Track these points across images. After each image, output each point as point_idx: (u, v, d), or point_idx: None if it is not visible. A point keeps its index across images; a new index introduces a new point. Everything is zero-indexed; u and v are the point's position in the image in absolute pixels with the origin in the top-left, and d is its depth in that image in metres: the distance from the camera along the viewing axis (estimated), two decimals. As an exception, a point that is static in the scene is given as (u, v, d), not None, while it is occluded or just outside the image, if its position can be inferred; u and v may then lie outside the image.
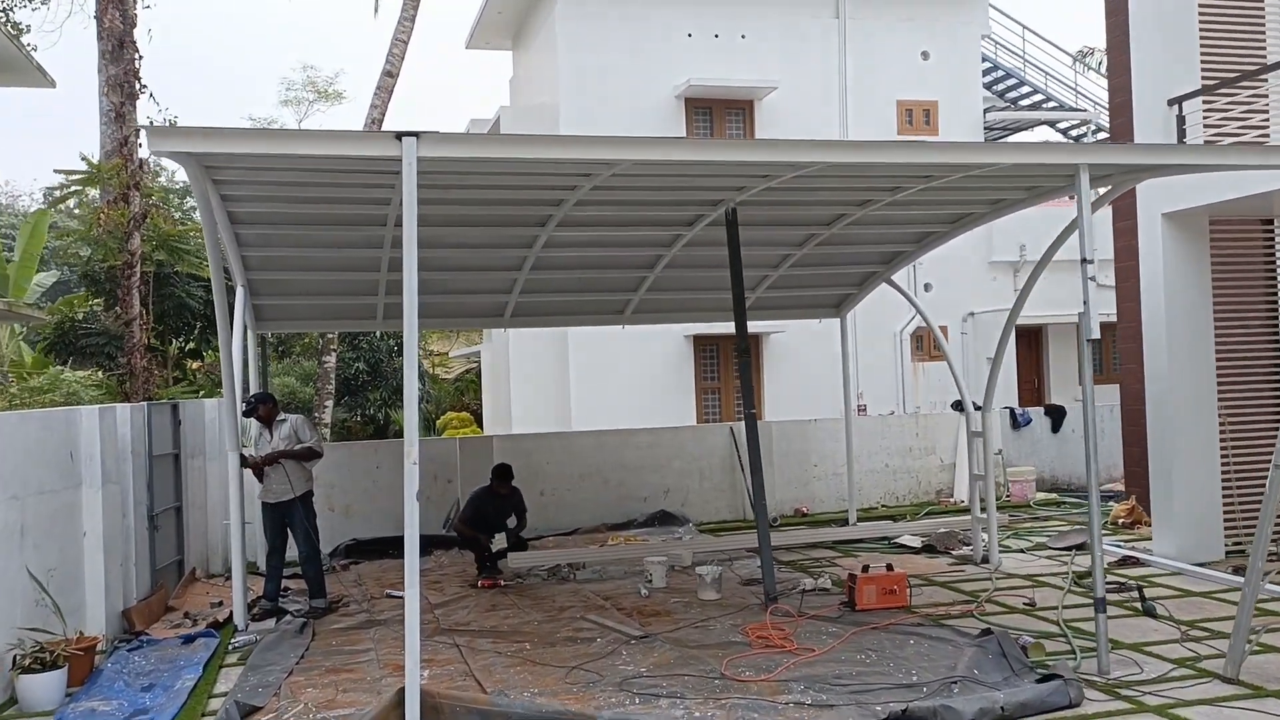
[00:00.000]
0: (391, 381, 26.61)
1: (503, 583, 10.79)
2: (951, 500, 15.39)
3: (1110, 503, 14.89)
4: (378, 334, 25.85)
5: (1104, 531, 12.40)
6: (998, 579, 10.22)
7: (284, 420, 9.78)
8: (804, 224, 11.25)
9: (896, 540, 12.35)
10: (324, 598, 9.82)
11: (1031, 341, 20.67)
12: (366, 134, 6.32)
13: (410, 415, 6.15)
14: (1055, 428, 16.39)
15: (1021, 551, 11.73)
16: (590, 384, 18.31)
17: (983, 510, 11.27)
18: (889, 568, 9.30)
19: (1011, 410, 16.26)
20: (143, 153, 14.45)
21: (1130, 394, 13.46)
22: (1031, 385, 20.44)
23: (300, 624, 9.15)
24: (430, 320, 13.41)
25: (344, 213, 9.57)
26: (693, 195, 9.80)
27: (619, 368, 18.40)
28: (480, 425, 27.49)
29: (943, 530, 12.23)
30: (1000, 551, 11.31)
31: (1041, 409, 16.53)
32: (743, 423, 14.89)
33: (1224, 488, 10.81)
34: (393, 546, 12.89)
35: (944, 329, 20.15)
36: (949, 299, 19.98)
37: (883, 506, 15.31)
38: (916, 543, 12.07)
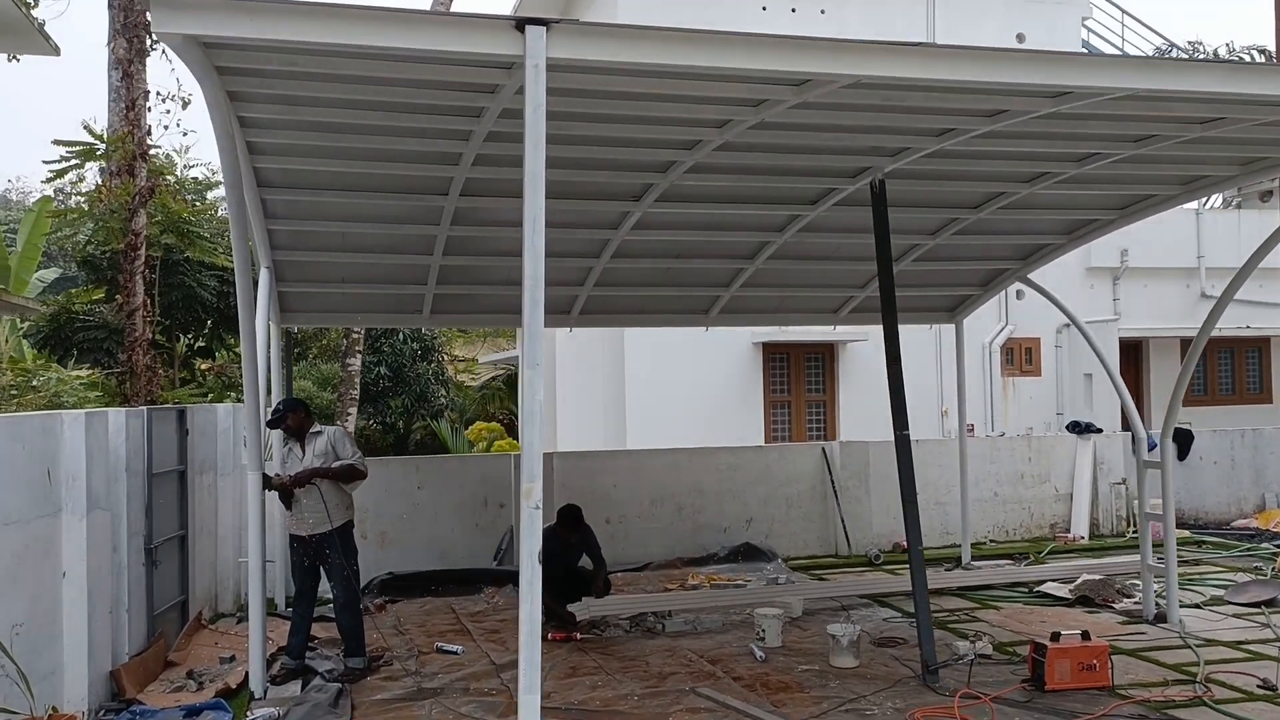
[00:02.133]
0: (414, 388, 24.71)
1: (577, 635, 8.82)
2: (1068, 536, 13.38)
3: (1266, 544, 12.90)
4: (400, 336, 24.03)
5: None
6: (1197, 646, 8.22)
7: (319, 433, 7.84)
8: (947, 205, 9.30)
9: (1040, 589, 10.34)
10: (363, 656, 7.87)
11: (1131, 357, 18.67)
12: (473, 19, 4.38)
13: (531, 437, 4.20)
14: (1182, 454, 14.37)
15: (1197, 606, 9.71)
16: (648, 395, 16.34)
17: (1158, 557, 9.30)
18: (1085, 635, 7.30)
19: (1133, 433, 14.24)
20: (151, 118, 12.55)
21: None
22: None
23: (335, 691, 7.20)
24: (484, 317, 11.47)
25: (399, 175, 7.64)
26: (833, 162, 7.87)
27: (680, 378, 16.43)
28: (514, 436, 25.57)
29: (1097, 578, 10.22)
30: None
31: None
32: (835, 442, 13.01)
33: None
34: (435, 582, 10.96)
35: (1036, 341, 18.17)
36: (1042, 308, 17.91)
37: (991, 542, 13.32)
38: (1064, 592, 10.06)
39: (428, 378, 25.55)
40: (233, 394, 16.96)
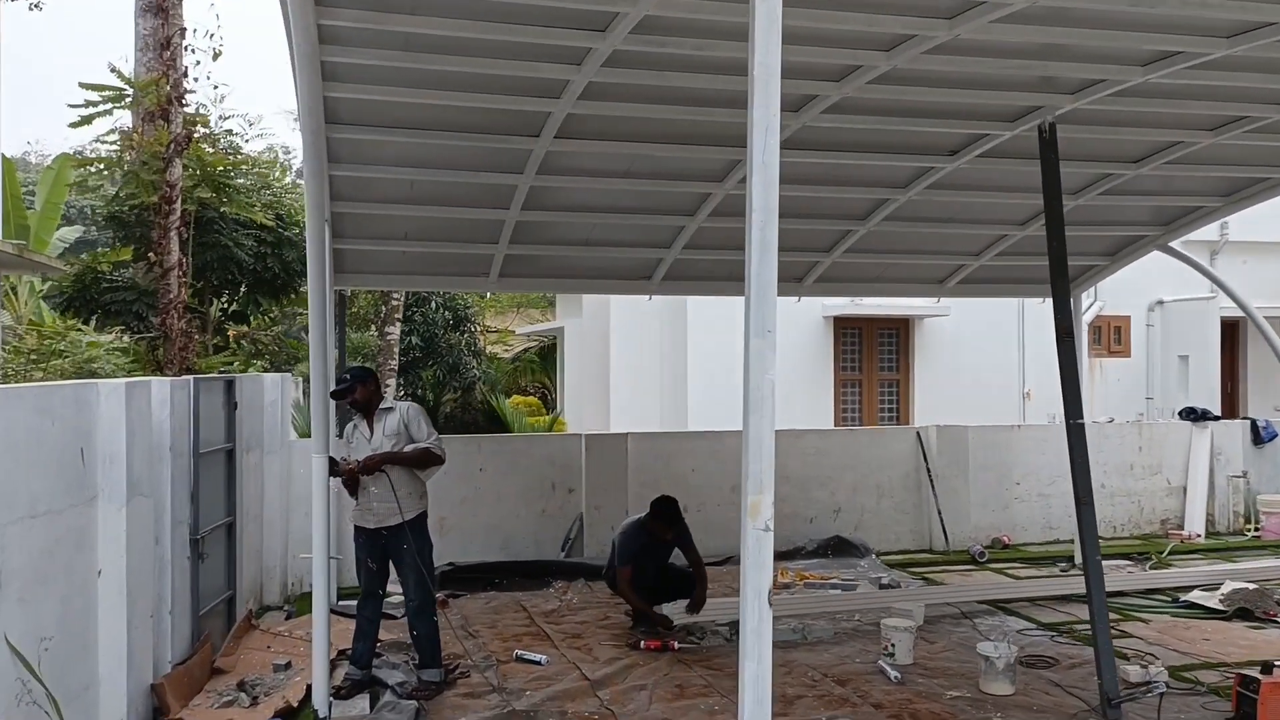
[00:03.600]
0: (447, 359, 23.69)
1: (674, 644, 7.74)
2: (1183, 534, 12.22)
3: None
4: (433, 304, 22.99)
5: None
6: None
7: (390, 409, 6.75)
8: (1103, 159, 8.11)
9: (1185, 597, 9.19)
10: (439, 668, 6.80)
11: (1226, 339, 17.40)
12: None
13: (760, 430, 3.09)
14: (1296, 445, 13.18)
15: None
16: (711, 371, 15.21)
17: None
18: (1295, 667, 6.17)
19: (1253, 422, 13.05)
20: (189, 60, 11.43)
21: None
22: (1225, 390, 17.19)
23: (411, 712, 6.16)
24: (556, 281, 10.36)
25: (490, 109, 6.50)
26: (993, 100, 6.68)
27: (741, 351, 15.28)
28: (549, 409, 24.50)
29: (1249, 587, 9.08)
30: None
31: (1283, 419, 13.32)
32: (931, 427, 11.86)
33: None
34: (499, 575, 9.91)
35: (1126, 319, 16.93)
36: (1131, 284, 16.65)
37: (1099, 539, 12.12)
38: (1214, 602, 8.93)
39: (460, 348, 24.57)
40: (258, 363, 15.93)
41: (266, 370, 15.17)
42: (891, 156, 7.75)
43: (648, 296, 10.77)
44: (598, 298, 17.57)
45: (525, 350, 30.23)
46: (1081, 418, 6.73)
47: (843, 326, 15.95)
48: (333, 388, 6.70)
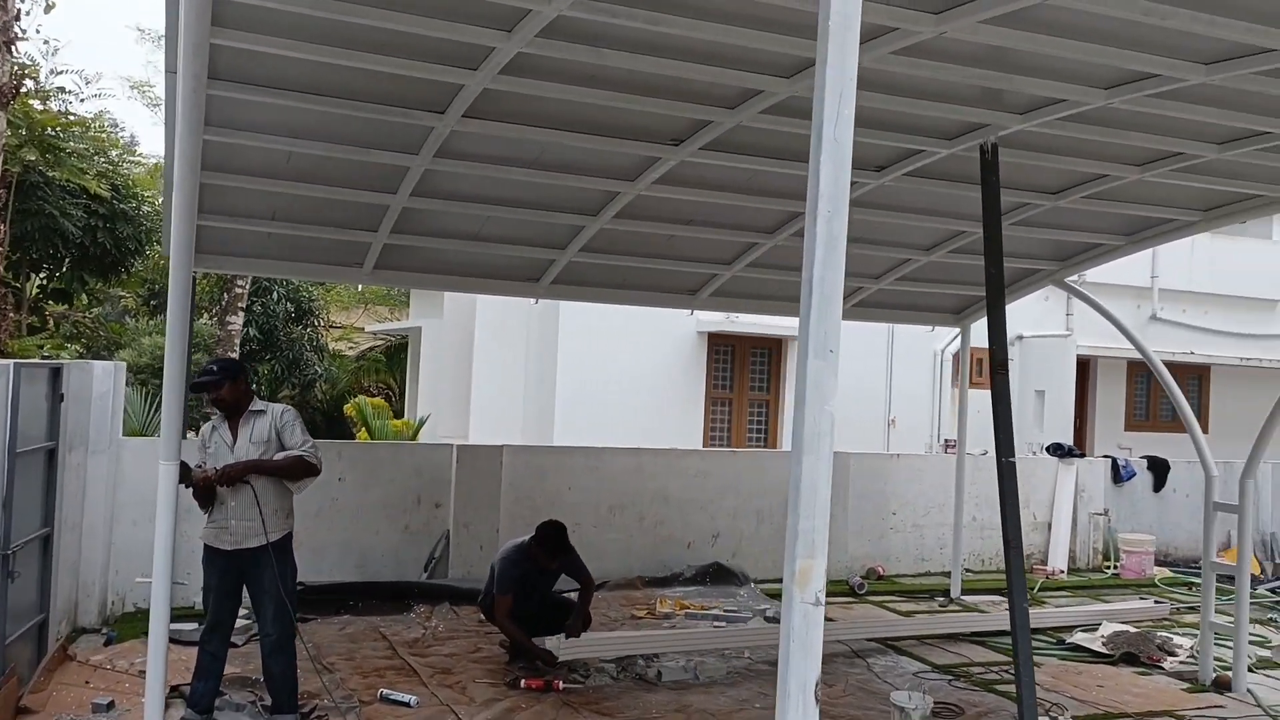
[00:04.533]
0: (286, 354, 22.27)
1: (559, 684, 7.03)
2: (1046, 569, 12.29)
3: (1259, 588, 12.06)
4: (274, 295, 21.56)
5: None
6: (1290, 725, 7.06)
7: (260, 413, 5.83)
8: (1021, 187, 7.85)
9: (1070, 640, 9.07)
10: (295, 712, 5.90)
11: (1079, 376, 17.89)
12: None
13: (815, 475, 2.46)
14: (1158, 485, 13.51)
15: (1251, 670, 8.55)
16: (580, 383, 14.56)
17: (1225, 613, 8.16)
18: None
19: (1114, 461, 13.30)
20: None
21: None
22: (1076, 426, 17.66)
23: (263, 767, 5.25)
24: (439, 278, 9.45)
25: (395, 75, 5.66)
26: (939, 113, 6.26)
27: (615, 364, 14.72)
28: (398, 414, 23.26)
29: (1131, 631, 9.05)
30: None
31: (1144, 461, 13.63)
32: (815, 452, 11.52)
33: None
34: (355, 597, 8.97)
35: (988, 353, 17.15)
36: (994, 318, 16.99)
37: (967, 571, 12.08)
38: (1099, 645, 8.82)
39: (302, 343, 23.18)
40: (72, 347, 14.36)
41: (82, 355, 13.67)
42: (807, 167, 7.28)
43: (534, 300, 10.05)
44: (462, 297, 16.67)
45: (371, 349, 28.81)
46: (1014, 455, 6.43)
47: (717, 343, 15.58)
48: (194, 380, 5.74)
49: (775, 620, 9.12)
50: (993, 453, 14.29)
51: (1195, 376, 18.59)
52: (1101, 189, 7.65)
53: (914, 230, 8.76)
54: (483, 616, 8.08)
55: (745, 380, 15.84)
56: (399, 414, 22.97)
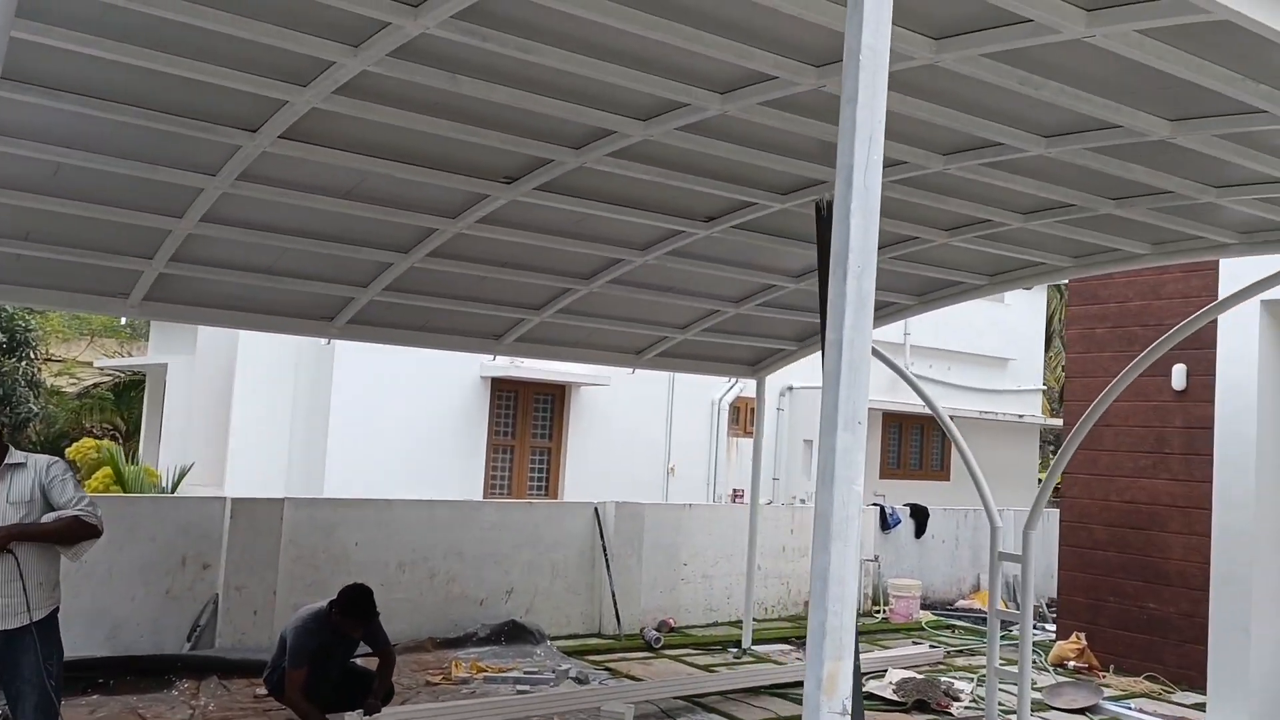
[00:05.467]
0: (-5, 387, 19.98)
1: (362, 772, 6.36)
2: (826, 615, 12.57)
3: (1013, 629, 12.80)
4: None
5: (1060, 676, 10.09)
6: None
7: (20, 466, 4.91)
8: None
9: (865, 689, 9.21)
10: (57, 826, 4.95)
11: (840, 426, 18.68)
12: None
13: (843, 559, 2.16)
14: (919, 532, 14.21)
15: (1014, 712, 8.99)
16: (356, 433, 13.69)
17: (1007, 662, 8.52)
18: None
19: (881, 508, 13.86)
20: None
21: (1075, 510, 11.42)
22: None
23: None
24: (216, 313, 8.50)
25: (201, 87, 4.98)
26: (781, 166, 6.23)
27: (394, 408, 13.96)
28: (129, 459, 21.11)
29: (918, 678, 9.31)
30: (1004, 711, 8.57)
31: (907, 508, 14.29)
32: (610, 502, 11.30)
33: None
34: (108, 673, 7.87)
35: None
36: (766, 369, 17.50)
37: (755, 620, 12.17)
38: (890, 693, 9.02)
39: (14, 378, 20.85)
40: None
41: None
42: (645, 214, 7.10)
43: (325, 340, 9.30)
44: (219, 332, 15.36)
45: (96, 385, 26.19)
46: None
47: (500, 388, 15.12)
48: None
49: (581, 681, 8.76)
50: (708, 494, 14.65)
51: (940, 428, 19.85)
52: (909, 250, 7.90)
53: (728, 282, 8.75)
54: (265, 691, 7.24)
55: (528, 427, 15.45)
56: (130, 457, 20.88)
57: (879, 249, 7.33)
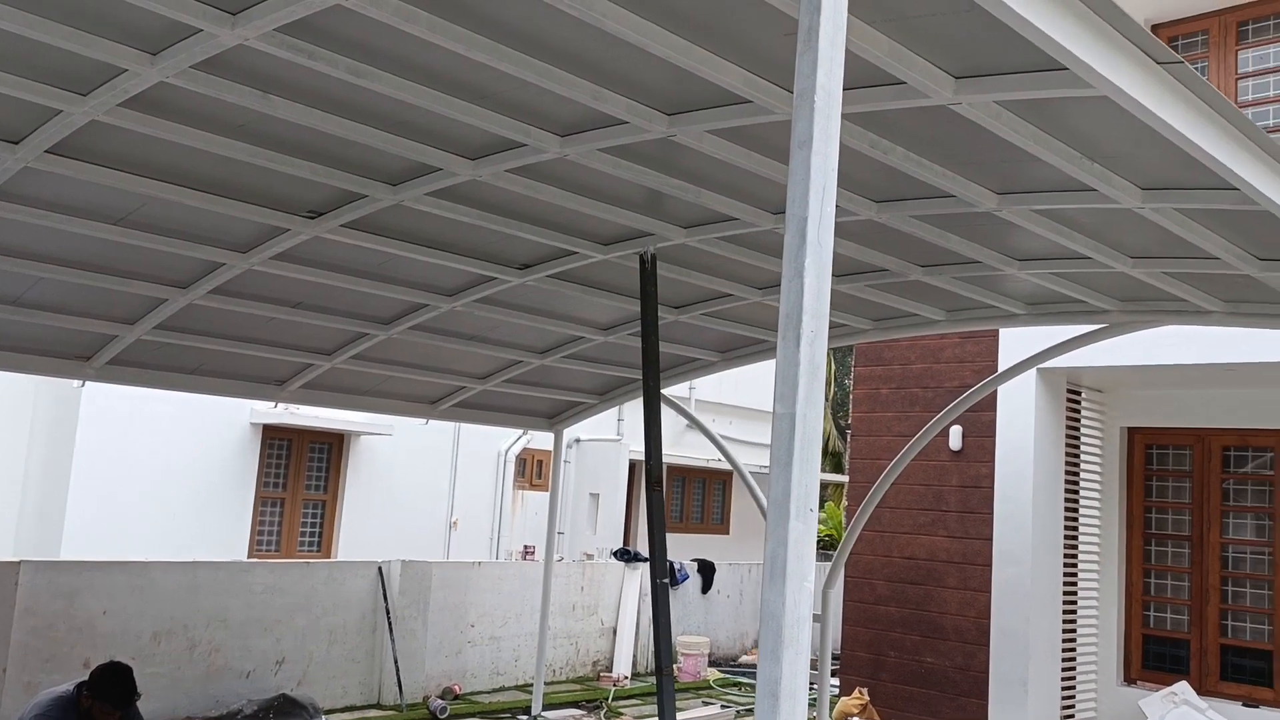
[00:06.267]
0: None
1: None
2: (613, 677, 12.32)
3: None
4: None
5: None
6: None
7: None
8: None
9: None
10: None
11: (631, 479, 18.60)
12: None
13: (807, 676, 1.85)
14: (705, 587, 14.22)
15: (818, 769, 9.04)
16: (103, 477, 12.33)
17: None
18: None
19: (671, 564, 13.75)
20: None
21: (859, 566, 11.70)
22: (625, 527, 18.23)
23: None
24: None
25: None
26: (607, 215, 6.00)
27: (150, 457, 12.68)
28: None
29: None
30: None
31: (695, 563, 14.28)
32: (396, 563, 10.63)
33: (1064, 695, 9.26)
34: None
35: (548, 454, 17.29)
36: (553, 420, 17.20)
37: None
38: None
39: None
40: None
41: None
42: (457, 258, 6.69)
43: (79, 382, 8.26)
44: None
45: None
46: (667, 578, 6.15)
47: (272, 436, 14.06)
48: None
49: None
50: (513, 550, 14.29)
51: (721, 481, 20.18)
52: (722, 307, 7.85)
53: (535, 332, 8.43)
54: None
55: (301, 478, 14.44)
56: None
57: (693, 304, 7.23)
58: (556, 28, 3.66)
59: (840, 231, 5.89)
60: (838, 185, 5.01)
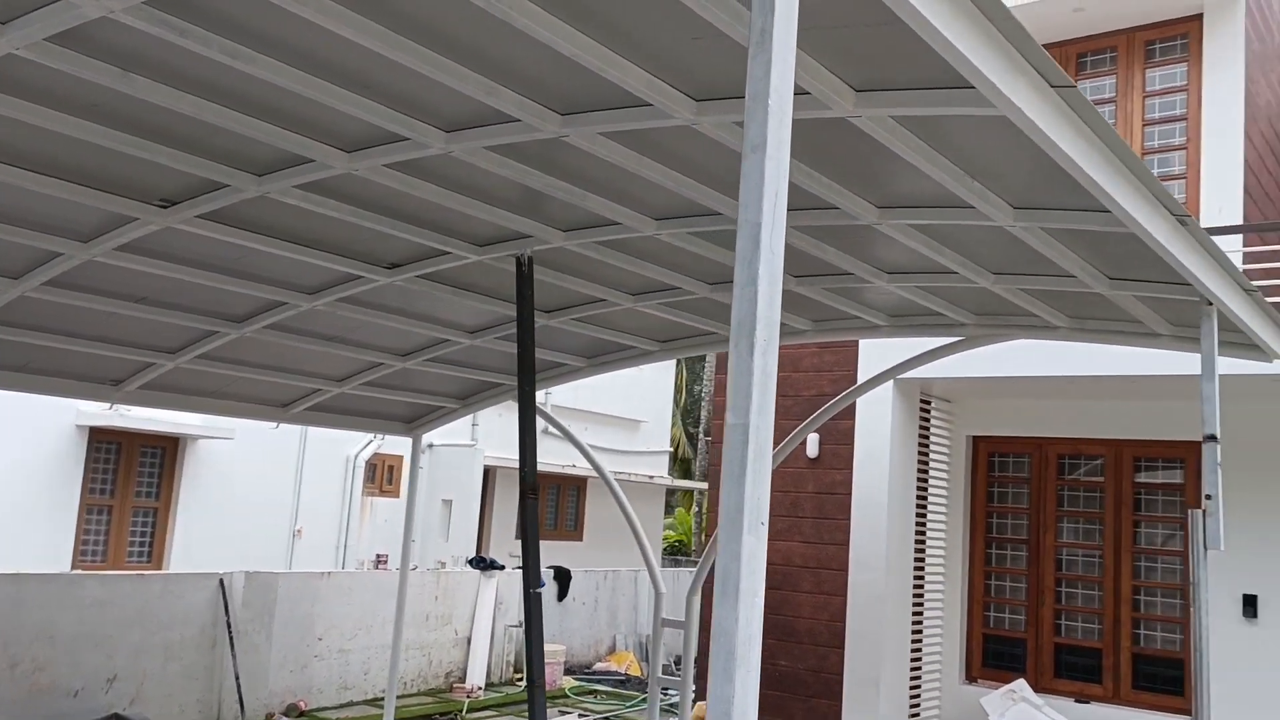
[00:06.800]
0: None
1: None
2: (467, 688, 12.07)
3: (635, 691, 12.97)
4: None
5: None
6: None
7: None
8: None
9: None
10: None
11: (486, 485, 18.26)
12: None
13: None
14: (561, 594, 14.09)
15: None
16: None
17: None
18: None
19: (527, 571, 13.54)
20: None
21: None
22: (478, 533, 17.89)
23: None
24: None
25: None
26: (483, 215, 5.83)
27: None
28: None
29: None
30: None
31: (550, 570, 14.13)
32: (239, 574, 10.12)
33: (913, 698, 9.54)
34: None
35: (399, 459, 16.83)
36: (404, 425, 16.74)
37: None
38: (551, 768, 8.70)
39: None
40: None
41: None
42: (322, 255, 6.38)
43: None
44: None
45: None
46: (541, 585, 6.03)
47: (100, 439, 13.17)
48: None
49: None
50: (363, 559, 13.96)
51: (575, 488, 20.08)
52: (595, 313, 7.77)
53: (399, 334, 8.14)
54: None
55: (131, 484, 13.57)
56: None
57: (565, 309, 7.13)
58: (459, 20, 3.51)
59: (717, 239, 5.93)
60: (723, 191, 5.05)
